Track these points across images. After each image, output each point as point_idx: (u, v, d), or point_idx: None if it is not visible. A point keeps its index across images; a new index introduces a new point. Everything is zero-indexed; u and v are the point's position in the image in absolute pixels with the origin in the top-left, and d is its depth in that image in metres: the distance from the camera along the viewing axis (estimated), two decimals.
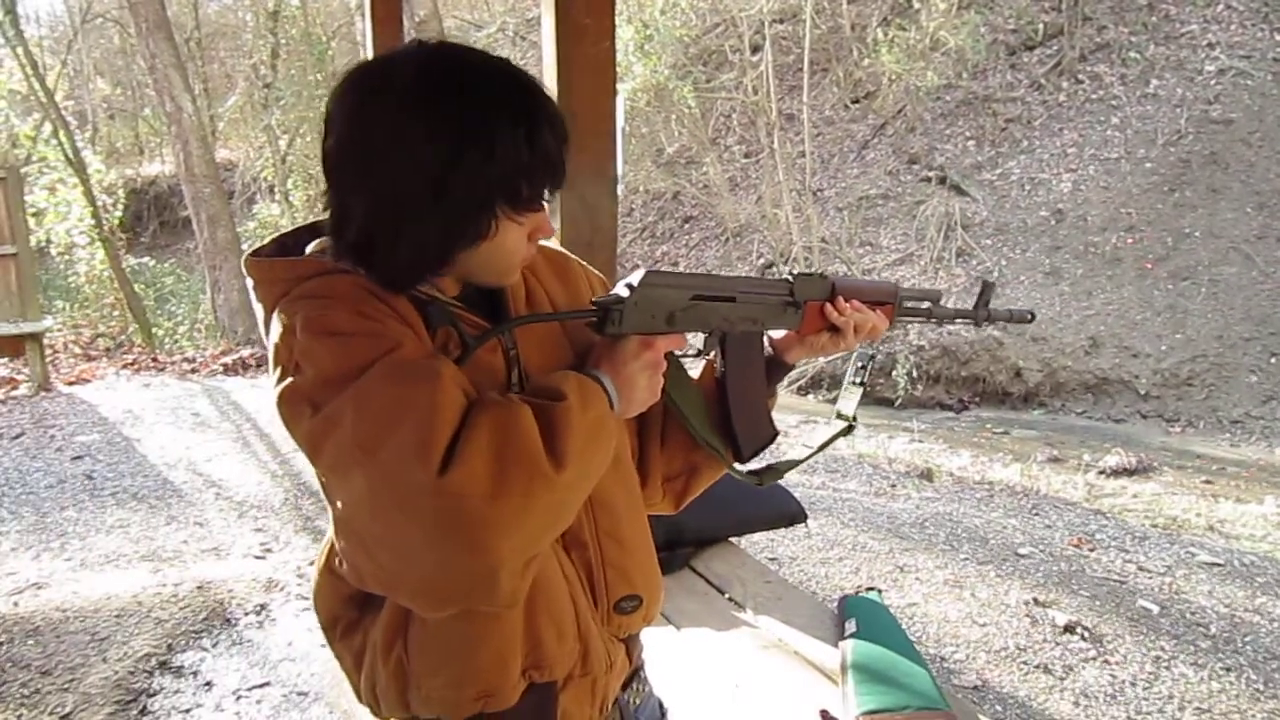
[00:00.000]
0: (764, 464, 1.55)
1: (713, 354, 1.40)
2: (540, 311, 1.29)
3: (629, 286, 1.20)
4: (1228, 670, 3.43)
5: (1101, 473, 7.23)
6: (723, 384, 1.39)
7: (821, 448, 1.59)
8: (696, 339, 1.37)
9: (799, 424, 8.13)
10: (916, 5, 12.75)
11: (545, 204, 1.16)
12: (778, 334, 1.47)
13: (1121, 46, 12.64)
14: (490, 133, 1.07)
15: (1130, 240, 10.77)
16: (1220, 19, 12.22)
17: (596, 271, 1.44)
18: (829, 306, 1.43)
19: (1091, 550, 4.74)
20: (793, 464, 1.57)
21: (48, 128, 12.92)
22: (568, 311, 1.28)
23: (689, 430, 1.39)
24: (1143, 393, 9.64)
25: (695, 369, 1.46)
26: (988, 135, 12.87)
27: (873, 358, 1.59)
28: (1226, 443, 8.67)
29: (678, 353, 1.32)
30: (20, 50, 12.80)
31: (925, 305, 1.57)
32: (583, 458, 1.07)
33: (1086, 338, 10.13)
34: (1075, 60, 12.83)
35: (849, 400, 1.58)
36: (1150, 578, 4.33)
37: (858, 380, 1.58)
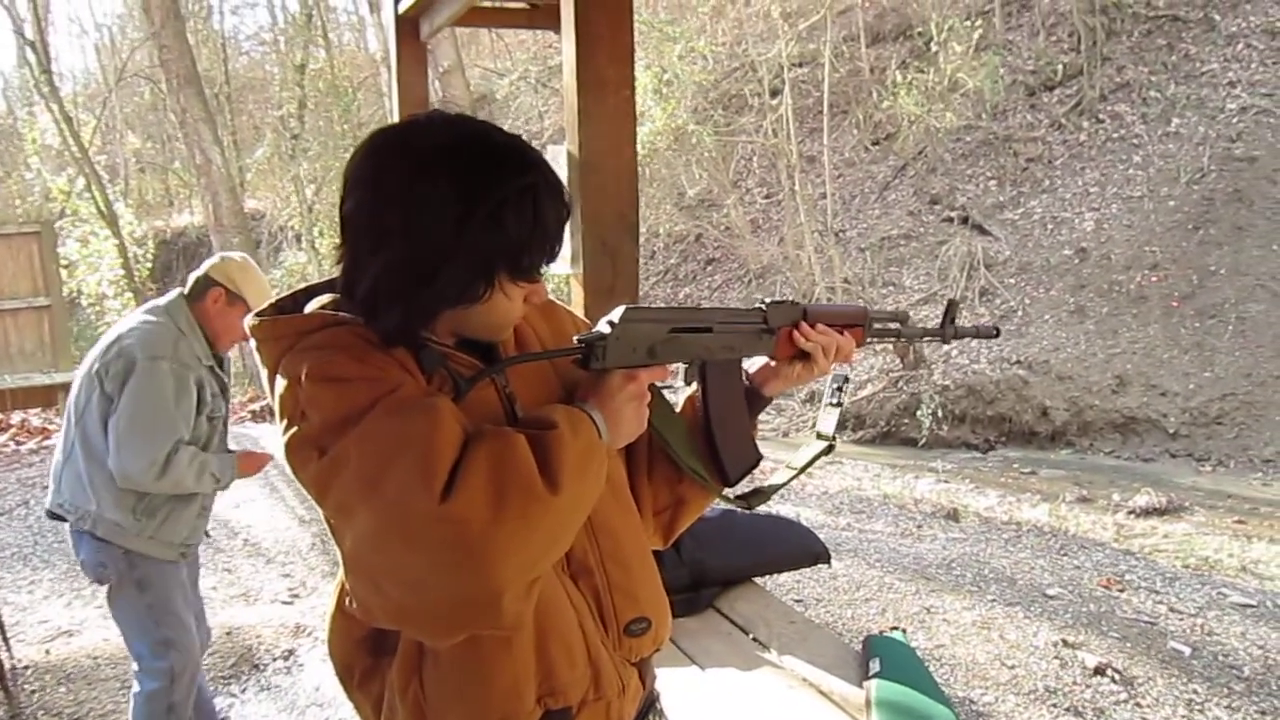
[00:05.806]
0: (750, 488, 1.60)
1: (693, 384, 1.46)
2: (530, 352, 1.34)
3: (610, 323, 1.26)
4: (1263, 714, 3.38)
5: (1131, 513, 7.15)
6: (706, 412, 1.44)
7: (803, 469, 1.63)
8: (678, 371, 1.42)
9: (822, 467, 8.09)
10: (934, 48, 12.82)
11: (540, 275, 1.23)
12: (755, 368, 1.53)
13: (1142, 86, 12.66)
14: (500, 205, 1.14)
15: (1155, 278, 10.72)
16: (1241, 57, 12.23)
17: (581, 316, 1.50)
18: (795, 331, 1.48)
19: (1121, 591, 4.68)
20: (777, 487, 1.62)
21: (81, 182, 13.19)
22: (555, 350, 1.33)
23: (675, 460, 1.43)
24: (1171, 432, 9.54)
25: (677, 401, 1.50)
26: (1009, 175, 12.90)
27: (846, 379, 1.65)
28: (1259, 482, 8.56)
29: (659, 384, 1.37)
30: (55, 107, 13.11)
31: (894, 326, 1.63)
32: (576, 481, 1.12)
33: (1113, 376, 10.06)
34: (1095, 100, 12.86)
35: (828, 420, 1.62)
36: (1182, 619, 4.27)
37: (834, 401, 1.63)
